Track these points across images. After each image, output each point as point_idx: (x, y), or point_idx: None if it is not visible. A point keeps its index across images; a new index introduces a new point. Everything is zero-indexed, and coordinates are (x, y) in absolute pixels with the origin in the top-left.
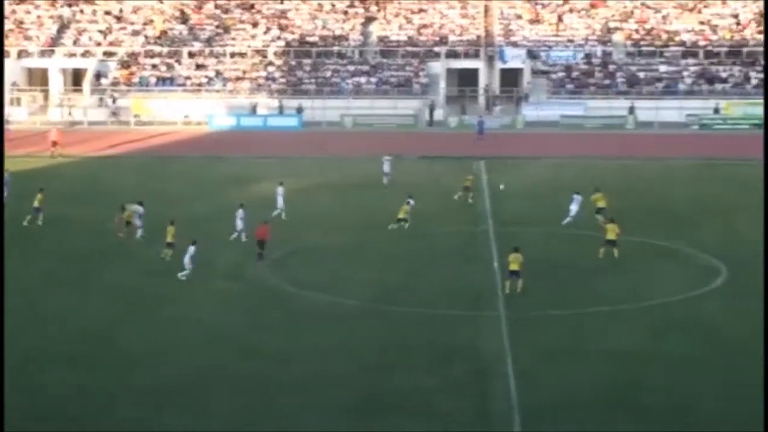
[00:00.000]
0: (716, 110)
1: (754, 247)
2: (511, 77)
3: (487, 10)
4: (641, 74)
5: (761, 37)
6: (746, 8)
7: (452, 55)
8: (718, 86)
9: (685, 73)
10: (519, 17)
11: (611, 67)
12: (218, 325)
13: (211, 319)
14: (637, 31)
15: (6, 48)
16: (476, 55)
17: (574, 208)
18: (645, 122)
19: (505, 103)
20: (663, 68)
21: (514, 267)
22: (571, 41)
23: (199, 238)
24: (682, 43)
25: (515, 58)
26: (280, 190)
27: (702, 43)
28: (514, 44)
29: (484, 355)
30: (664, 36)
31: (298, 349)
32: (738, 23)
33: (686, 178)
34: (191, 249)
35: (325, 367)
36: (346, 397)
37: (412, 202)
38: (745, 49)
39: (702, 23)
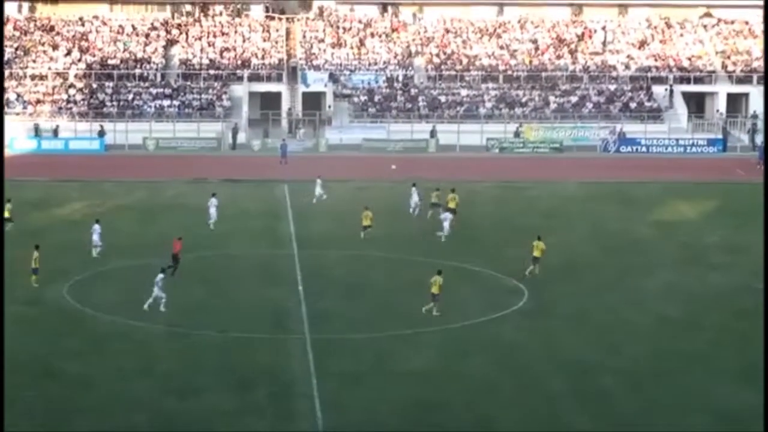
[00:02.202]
0: (516, 134)
1: (554, 269)
2: (313, 100)
3: (289, 33)
4: (442, 98)
5: (559, 62)
6: (544, 34)
7: (255, 78)
8: (518, 110)
9: (486, 97)
10: (321, 41)
11: (413, 91)
12: (15, 351)
13: (7, 345)
14: (437, 55)
15: None
16: (279, 79)
17: (445, 225)
18: (447, 145)
19: (308, 127)
20: (464, 92)
21: (434, 290)
22: (373, 65)
23: None
24: (482, 68)
25: (317, 82)
26: (213, 201)
27: (502, 67)
28: (317, 68)
29: (288, 377)
30: (465, 60)
31: (99, 372)
32: (537, 48)
33: (487, 200)
34: (159, 276)
35: (125, 390)
36: (145, 420)
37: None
38: (543, 74)
39: (501, 48)
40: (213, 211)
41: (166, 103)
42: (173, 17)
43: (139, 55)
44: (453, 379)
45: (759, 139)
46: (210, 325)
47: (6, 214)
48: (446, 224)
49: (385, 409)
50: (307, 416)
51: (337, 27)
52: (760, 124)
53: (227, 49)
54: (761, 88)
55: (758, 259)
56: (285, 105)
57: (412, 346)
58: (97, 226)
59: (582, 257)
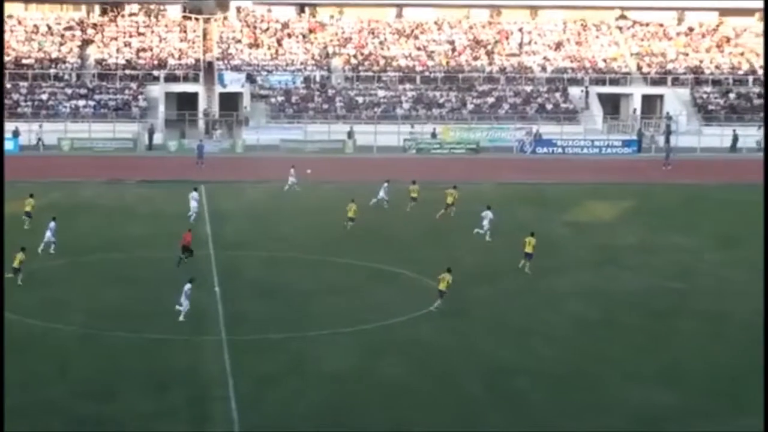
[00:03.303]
0: (433, 135)
1: (469, 269)
2: (230, 101)
3: (206, 33)
4: (360, 99)
5: (476, 63)
6: (461, 35)
7: (171, 78)
8: (435, 111)
9: (403, 98)
10: (238, 41)
11: (330, 92)
12: None
13: None
14: (355, 56)
15: None
16: (196, 79)
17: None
18: (364, 146)
19: (225, 127)
20: (381, 93)
21: (441, 287)
22: (290, 66)
23: None
24: (400, 69)
25: (234, 82)
26: (194, 194)
27: (419, 68)
28: (234, 68)
29: (205, 379)
30: (382, 61)
31: (13, 376)
32: (454, 50)
33: (405, 201)
34: (187, 286)
35: (40, 394)
36: (60, 424)
37: (353, 205)
38: (460, 75)
39: (419, 49)
40: (194, 204)
41: (81, 103)
42: (89, 17)
43: (54, 54)
44: (369, 380)
45: (671, 140)
46: (126, 327)
47: (27, 208)
48: (486, 222)
49: (301, 411)
50: (224, 418)
51: (255, 27)
52: (674, 126)
53: (143, 49)
54: (676, 90)
55: (673, 259)
56: (202, 105)
57: (328, 347)
58: (53, 224)
59: (498, 259)
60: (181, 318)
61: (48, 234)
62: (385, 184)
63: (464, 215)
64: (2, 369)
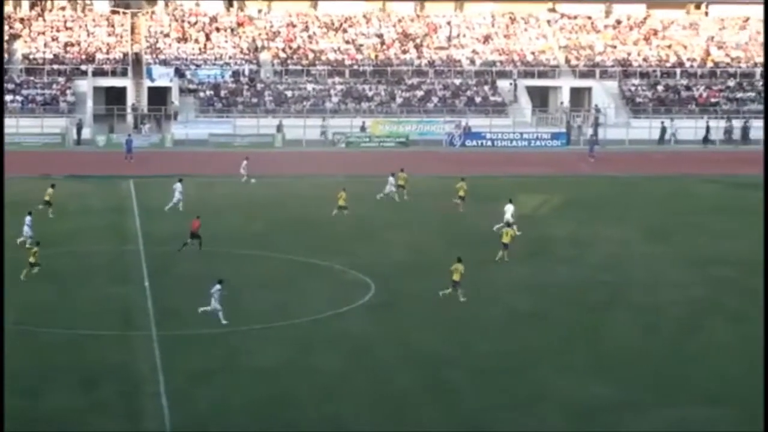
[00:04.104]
0: (363, 128)
1: (402, 264)
2: (159, 95)
3: (134, 28)
4: (289, 93)
5: (405, 56)
6: (390, 29)
7: (99, 73)
8: (364, 105)
9: (332, 92)
10: (166, 35)
11: (259, 86)
12: None
13: None
14: (284, 50)
15: None
16: (124, 73)
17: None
18: (293, 140)
19: (154, 122)
20: (310, 87)
21: (455, 277)
22: (219, 60)
23: None
24: (329, 62)
25: (163, 77)
26: (178, 186)
27: (348, 62)
28: (162, 62)
29: (136, 375)
30: (311, 55)
31: None
32: (382, 43)
33: (335, 195)
34: (216, 287)
35: None
36: None
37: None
38: (390, 69)
39: (347, 43)
40: (178, 195)
41: (8, 98)
42: (16, 11)
43: None
44: (303, 374)
45: (593, 132)
46: (56, 323)
47: (46, 198)
48: (508, 215)
49: (234, 406)
50: (155, 415)
51: (183, 21)
52: (603, 118)
53: (71, 44)
54: (604, 83)
55: (604, 252)
56: (130, 100)
57: (260, 342)
58: (28, 218)
59: (431, 252)
60: (223, 321)
61: (26, 228)
62: (391, 178)
63: (399, 208)
64: (2, 369)
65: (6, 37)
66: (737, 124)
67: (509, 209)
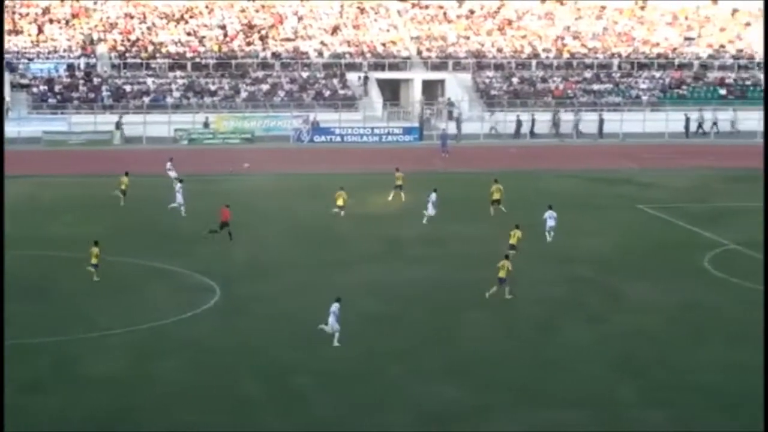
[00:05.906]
0: (206, 124)
1: (248, 266)
2: None
3: None
4: (127, 87)
5: (250, 48)
6: (233, 19)
7: None
8: (207, 99)
9: (174, 86)
10: None
11: (96, 80)
12: None
13: None
14: (122, 42)
15: None
16: None
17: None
18: (133, 137)
19: None
20: (150, 81)
21: (501, 274)
22: (53, 53)
23: None
24: (169, 55)
25: None
26: (178, 186)
27: (189, 54)
28: None
29: None
30: (150, 48)
31: None
32: (226, 35)
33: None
34: (335, 306)
35: None
36: None
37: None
38: (234, 62)
39: (189, 34)
40: (179, 196)
41: None
42: None
43: None
44: (144, 383)
45: (447, 126)
46: None
47: (122, 187)
48: (551, 221)
49: (74, 418)
50: None
51: (14, 13)
52: (457, 112)
53: None
54: (457, 75)
55: (459, 250)
56: None
57: (98, 350)
58: None
59: (278, 253)
60: (335, 343)
61: None
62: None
63: (239, 208)
64: (2, 369)
65: None
66: (594, 117)
67: (552, 215)
